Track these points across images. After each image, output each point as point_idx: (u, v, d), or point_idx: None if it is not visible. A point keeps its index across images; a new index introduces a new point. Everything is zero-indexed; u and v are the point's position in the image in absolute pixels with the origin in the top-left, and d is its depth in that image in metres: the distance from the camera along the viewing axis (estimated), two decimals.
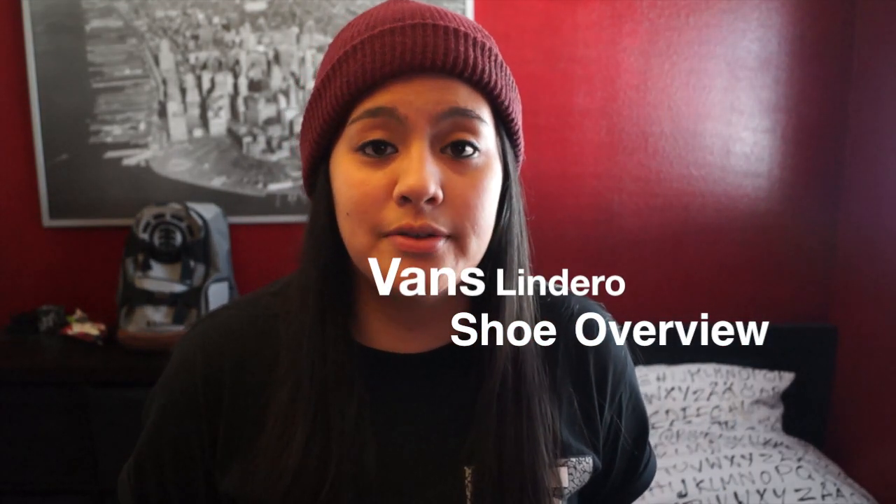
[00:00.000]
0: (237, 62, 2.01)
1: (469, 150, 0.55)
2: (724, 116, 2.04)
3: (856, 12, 1.97)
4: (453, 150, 0.55)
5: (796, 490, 1.59)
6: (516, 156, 0.63)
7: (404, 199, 0.53)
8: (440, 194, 0.53)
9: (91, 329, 1.94)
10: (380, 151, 0.54)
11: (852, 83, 2.00)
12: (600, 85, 2.03)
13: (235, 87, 2.02)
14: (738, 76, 2.02)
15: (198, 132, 2.04)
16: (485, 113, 0.56)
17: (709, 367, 1.92)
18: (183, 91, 2.02)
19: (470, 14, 1.97)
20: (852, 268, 2.00)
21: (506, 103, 0.58)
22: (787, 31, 2.00)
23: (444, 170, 0.54)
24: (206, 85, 2.02)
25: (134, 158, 2.04)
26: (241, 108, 2.03)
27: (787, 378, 1.93)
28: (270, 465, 0.58)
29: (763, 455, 1.69)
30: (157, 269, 1.86)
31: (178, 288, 1.85)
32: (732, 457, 1.69)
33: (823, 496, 1.58)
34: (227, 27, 2.00)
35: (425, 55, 0.53)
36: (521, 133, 0.62)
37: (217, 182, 2.06)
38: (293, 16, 2.00)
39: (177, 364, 0.64)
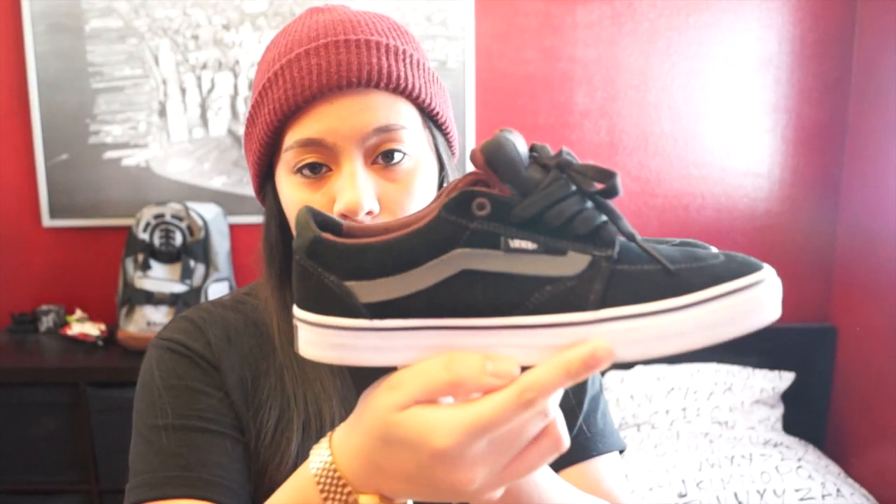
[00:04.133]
0: (237, 62, 2.01)
1: (398, 156, 0.58)
2: (724, 116, 2.04)
3: (856, 12, 1.97)
4: (384, 158, 0.58)
5: (796, 490, 1.59)
6: (449, 143, 0.66)
7: (344, 216, 0.55)
8: (376, 207, 0.56)
9: (91, 329, 1.95)
10: (316, 171, 0.57)
11: (852, 83, 2.00)
12: (600, 85, 2.03)
13: (235, 87, 2.02)
14: (738, 76, 2.02)
15: (198, 132, 2.04)
16: (408, 118, 0.59)
17: (709, 367, 1.92)
18: (183, 91, 2.02)
19: (470, 14, 1.97)
20: (852, 268, 2.00)
21: (427, 101, 0.60)
22: (787, 31, 2.00)
23: (378, 180, 0.57)
24: (206, 85, 2.02)
25: (134, 158, 2.04)
26: (241, 108, 2.03)
27: (787, 378, 1.93)
28: (271, 451, 0.61)
29: (763, 455, 1.69)
30: (157, 269, 1.86)
31: (178, 288, 1.85)
32: (732, 457, 1.69)
33: (823, 496, 1.58)
34: (227, 27, 2.00)
35: (340, 75, 0.55)
36: (449, 123, 0.65)
37: (217, 182, 2.06)
38: (293, 16, 1.99)
39: (154, 356, 0.65)
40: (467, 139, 2.03)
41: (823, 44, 2.00)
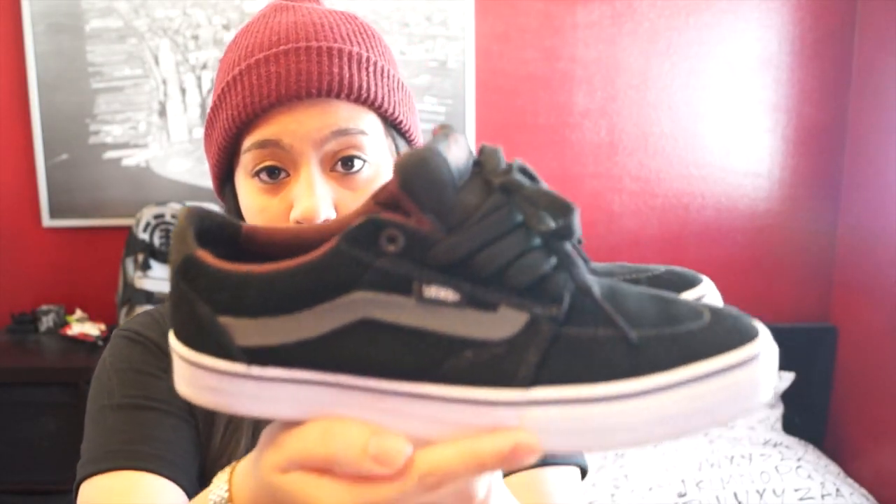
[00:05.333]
0: None
1: (358, 163, 0.57)
2: (724, 116, 2.04)
3: (856, 12, 1.97)
4: (343, 165, 0.57)
5: (796, 490, 1.59)
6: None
7: (300, 223, 0.55)
8: (332, 215, 0.55)
9: (91, 329, 1.95)
10: (274, 176, 0.56)
11: (852, 83, 2.00)
12: (600, 85, 2.03)
13: None
14: (738, 76, 2.02)
15: (198, 132, 2.04)
16: (369, 124, 0.57)
17: None
18: (183, 91, 2.02)
19: (470, 14, 1.97)
20: (852, 268, 2.00)
21: (389, 110, 0.59)
22: (787, 31, 2.00)
23: (336, 187, 0.56)
24: (206, 85, 2.02)
25: (134, 158, 2.04)
26: None
27: (787, 378, 1.93)
28: (219, 450, 0.61)
29: (763, 455, 1.69)
30: (157, 269, 1.86)
31: None
32: (732, 457, 1.69)
33: (823, 496, 1.58)
34: (227, 27, 2.00)
35: (300, 84, 0.54)
36: (413, 129, 0.63)
37: None
38: None
39: (112, 349, 0.65)
40: (467, 139, 2.02)
41: (823, 44, 2.00)
